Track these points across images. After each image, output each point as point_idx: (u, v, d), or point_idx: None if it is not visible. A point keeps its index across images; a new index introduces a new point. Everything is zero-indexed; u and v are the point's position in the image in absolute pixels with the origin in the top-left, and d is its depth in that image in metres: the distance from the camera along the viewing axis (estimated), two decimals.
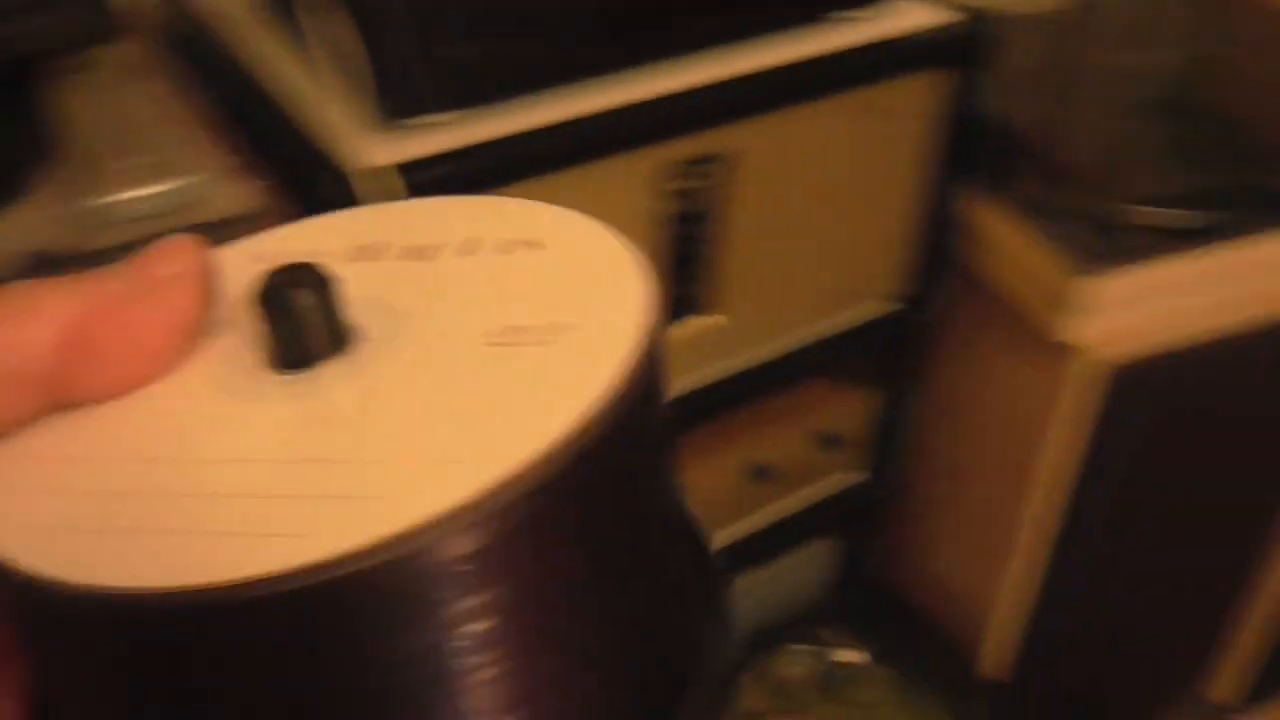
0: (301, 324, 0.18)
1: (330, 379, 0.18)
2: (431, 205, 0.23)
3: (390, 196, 0.50)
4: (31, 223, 0.55)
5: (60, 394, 0.18)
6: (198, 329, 0.19)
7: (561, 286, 0.20)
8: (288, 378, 0.18)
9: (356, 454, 0.17)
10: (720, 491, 0.80)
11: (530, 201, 0.22)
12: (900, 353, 0.82)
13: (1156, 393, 0.69)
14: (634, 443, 0.18)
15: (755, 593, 0.89)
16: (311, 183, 0.54)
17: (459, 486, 0.16)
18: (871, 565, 0.95)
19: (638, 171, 0.59)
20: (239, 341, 0.19)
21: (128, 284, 0.18)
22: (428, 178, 0.52)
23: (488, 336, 0.19)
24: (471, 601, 0.16)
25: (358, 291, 0.19)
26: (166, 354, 0.19)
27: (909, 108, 0.66)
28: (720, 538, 0.81)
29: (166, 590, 0.15)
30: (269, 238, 0.22)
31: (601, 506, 0.17)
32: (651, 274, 0.19)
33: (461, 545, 0.15)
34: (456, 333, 0.19)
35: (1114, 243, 0.67)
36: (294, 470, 0.17)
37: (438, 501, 0.15)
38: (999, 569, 0.80)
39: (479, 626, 0.16)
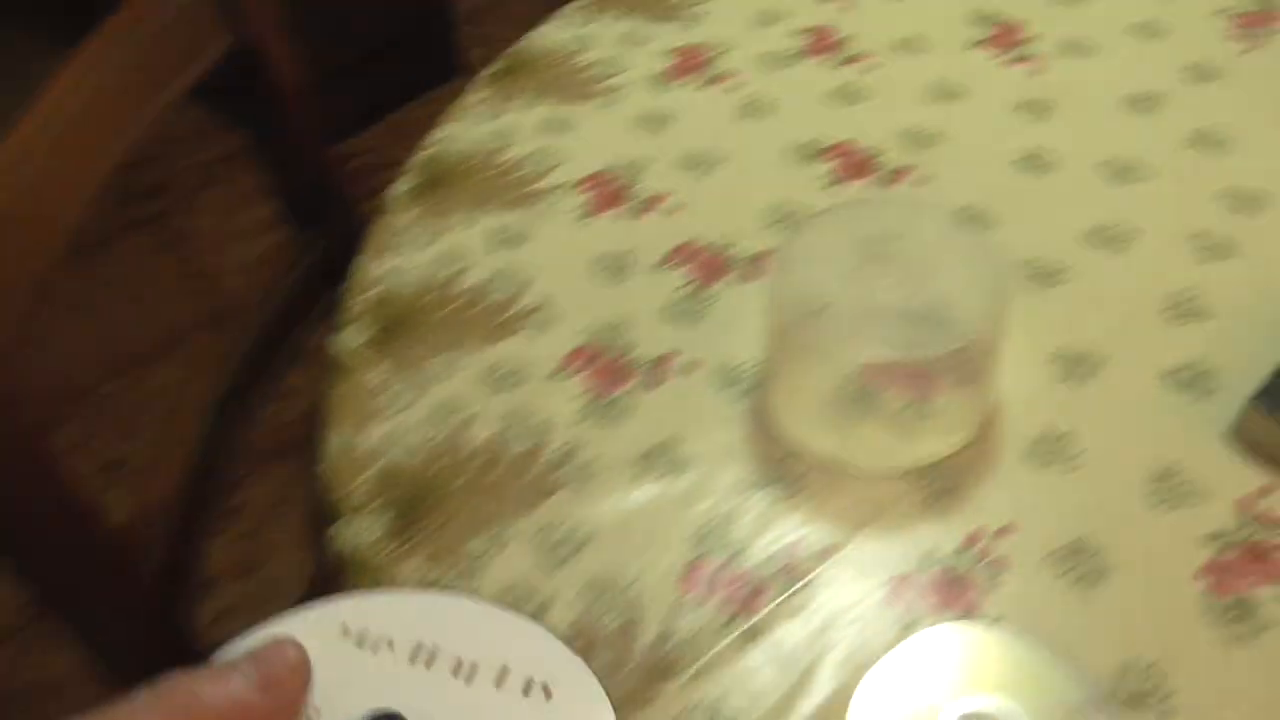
0: None
1: None
2: (480, 613, 0.29)
3: None
4: None
5: None
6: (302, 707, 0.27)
7: None
8: None
9: None
10: None
11: (555, 642, 0.28)
12: None
13: None
14: None
15: None
16: None
17: None
18: None
19: None
20: None
21: (251, 684, 0.26)
22: None
23: None
24: None
25: (416, 705, 0.26)
26: None
27: None
28: None
29: None
30: (350, 609, 0.28)
31: None
32: None
33: None
34: None
35: None
36: None
37: None
38: None
39: None
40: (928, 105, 0.77)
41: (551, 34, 0.85)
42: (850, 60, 0.81)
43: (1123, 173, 0.72)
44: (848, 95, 0.78)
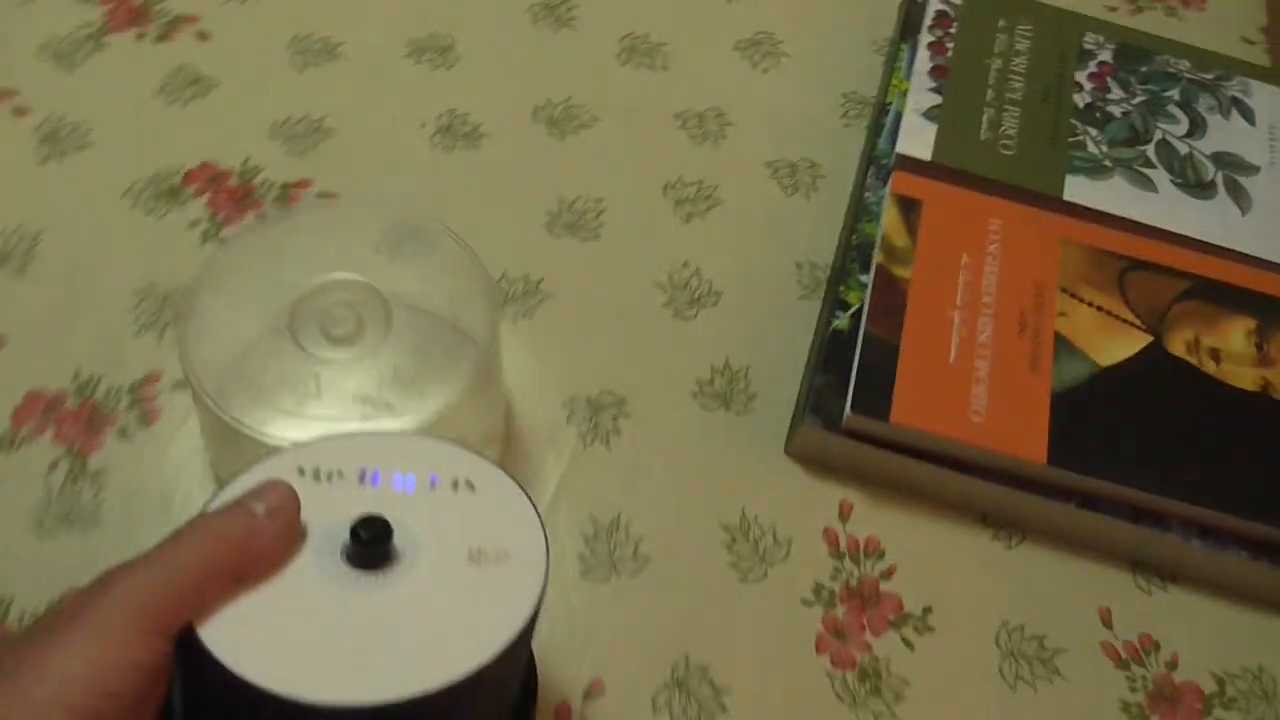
0: (375, 551, 0.32)
1: (384, 583, 0.32)
2: (402, 440, 0.36)
3: None
4: None
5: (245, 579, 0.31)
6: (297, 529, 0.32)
7: (497, 520, 0.34)
8: (363, 575, 0.32)
9: (393, 642, 0.31)
10: None
11: (467, 451, 0.36)
12: None
13: None
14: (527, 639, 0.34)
15: None
16: None
17: (446, 672, 0.30)
18: None
19: None
20: (324, 542, 0.33)
21: (261, 513, 0.32)
22: None
23: (468, 556, 0.33)
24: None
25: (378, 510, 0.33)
26: (292, 545, 0.32)
27: None
28: None
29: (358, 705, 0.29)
30: (298, 454, 0.35)
31: (504, 675, 0.34)
32: (539, 521, 0.34)
33: (439, 699, 0.30)
34: (449, 554, 0.33)
35: None
36: (364, 639, 0.31)
37: (438, 678, 0.30)
38: None
39: None
40: (299, 79, 0.58)
41: None
42: (175, 29, 0.60)
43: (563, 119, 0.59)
44: (189, 86, 0.57)
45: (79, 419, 0.47)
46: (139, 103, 0.57)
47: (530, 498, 0.35)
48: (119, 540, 0.44)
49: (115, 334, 0.49)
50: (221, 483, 0.43)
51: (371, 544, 0.32)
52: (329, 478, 0.34)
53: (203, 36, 0.59)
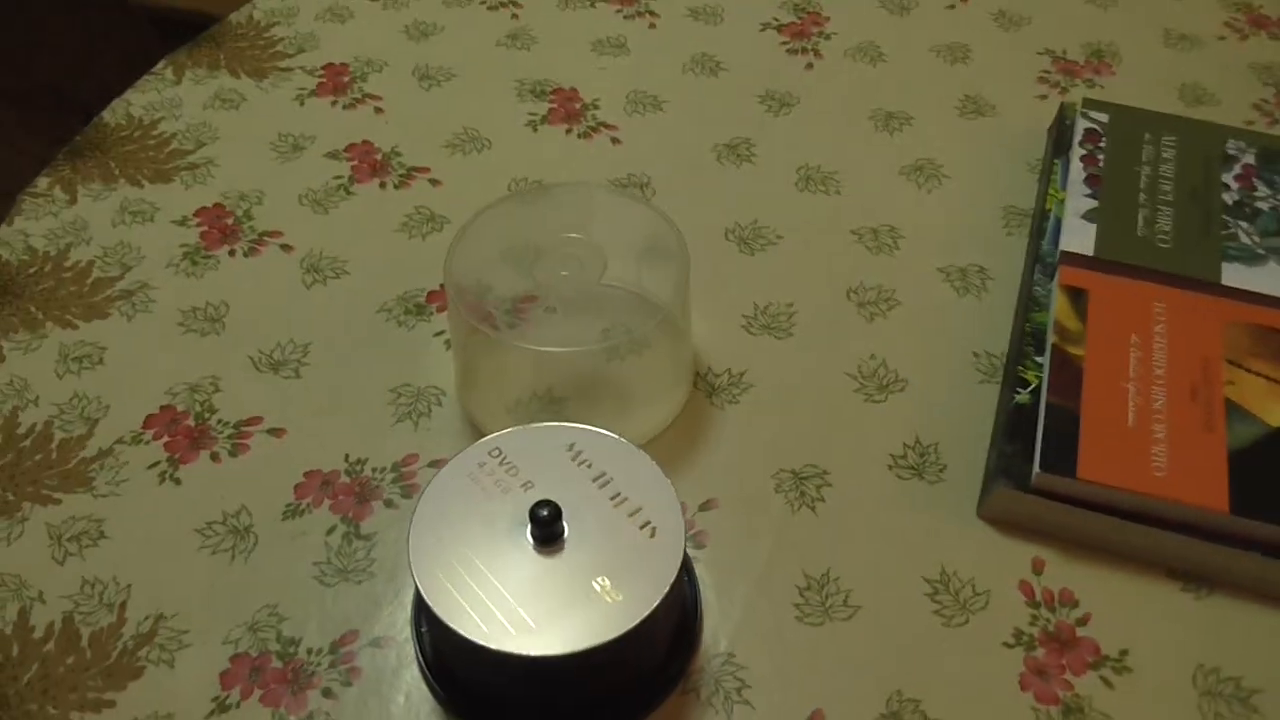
0: (545, 532, 0.42)
1: (550, 562, 0.42)
2: (596, 437, 0.45)
3: None
4: None
5: None
6: None
7: (645, 557, 0.42)
8: (537, 549, 0.42)
9: (563, 603, 0.40)
10: None
11: (675, 499, 0.43)
12: None
13: None
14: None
15: None
16: None
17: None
18: None
19: None
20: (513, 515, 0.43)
21: None
22: None
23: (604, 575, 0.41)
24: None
25: (566, 501, 0.43)
26: None
27: None
28: None
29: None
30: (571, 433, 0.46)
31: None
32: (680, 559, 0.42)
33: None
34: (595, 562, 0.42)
35: None
36: (537, 599, 0.41)
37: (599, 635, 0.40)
38: None
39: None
40: (517, 213, 0.67)
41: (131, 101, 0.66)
42: (411, 178, 0.69)
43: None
44: (426, 223, 0.67)
45: (351, 492, 0.54)
46: (385, 237, 0.66)
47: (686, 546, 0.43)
48: (388, 588, 0.50)
49: (377, 423, 0.56)
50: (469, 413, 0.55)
51: (545, 523, 0.41)
52: (573, 459, 0.45)
53: (434, 183, 0.69)
